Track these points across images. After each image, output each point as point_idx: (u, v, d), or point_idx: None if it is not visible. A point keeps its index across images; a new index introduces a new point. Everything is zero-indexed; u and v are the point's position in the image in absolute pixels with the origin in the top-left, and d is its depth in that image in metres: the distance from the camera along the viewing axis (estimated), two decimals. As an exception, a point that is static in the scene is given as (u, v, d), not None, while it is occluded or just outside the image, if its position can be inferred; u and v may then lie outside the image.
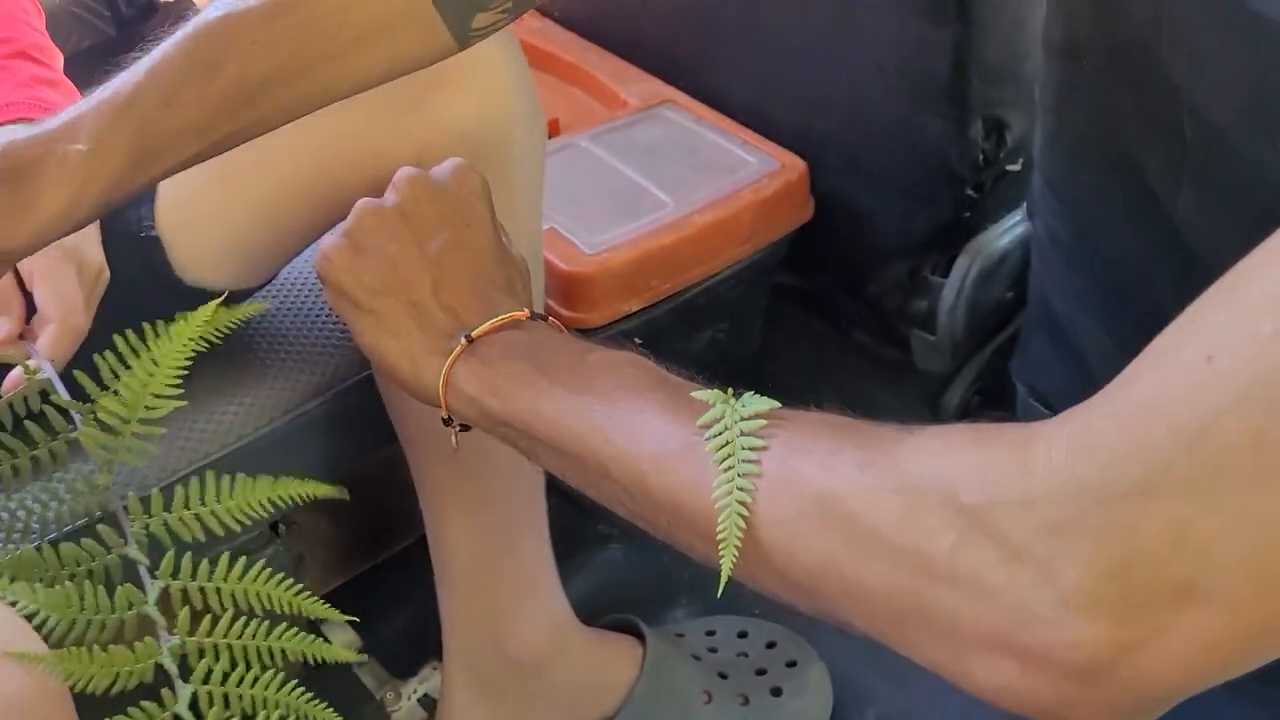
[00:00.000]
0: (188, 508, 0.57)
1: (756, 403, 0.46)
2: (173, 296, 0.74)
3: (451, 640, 0.84)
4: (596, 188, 1.00)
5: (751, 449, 0.44)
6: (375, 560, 1.05)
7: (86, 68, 0.79)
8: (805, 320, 1.18)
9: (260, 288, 0.81)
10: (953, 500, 0.38)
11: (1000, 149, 0.96)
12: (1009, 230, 1.01)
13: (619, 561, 1.07)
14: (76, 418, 0.56)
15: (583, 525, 1.08)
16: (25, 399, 0.58)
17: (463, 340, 0.56)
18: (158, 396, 0.56)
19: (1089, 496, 0.35)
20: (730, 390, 0.48)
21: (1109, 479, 0.35)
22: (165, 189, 0.72)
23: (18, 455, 0.58)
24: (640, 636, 0.90)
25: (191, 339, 0.59)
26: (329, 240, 0.60)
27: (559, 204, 0.95)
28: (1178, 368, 0.35)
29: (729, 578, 0.44)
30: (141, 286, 0.71)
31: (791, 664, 0.92)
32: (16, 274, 0.63)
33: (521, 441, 0.54)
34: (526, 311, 0.57)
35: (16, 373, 0.60)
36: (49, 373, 0.58)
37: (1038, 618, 0.36)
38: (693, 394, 0.48)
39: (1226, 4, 0.51)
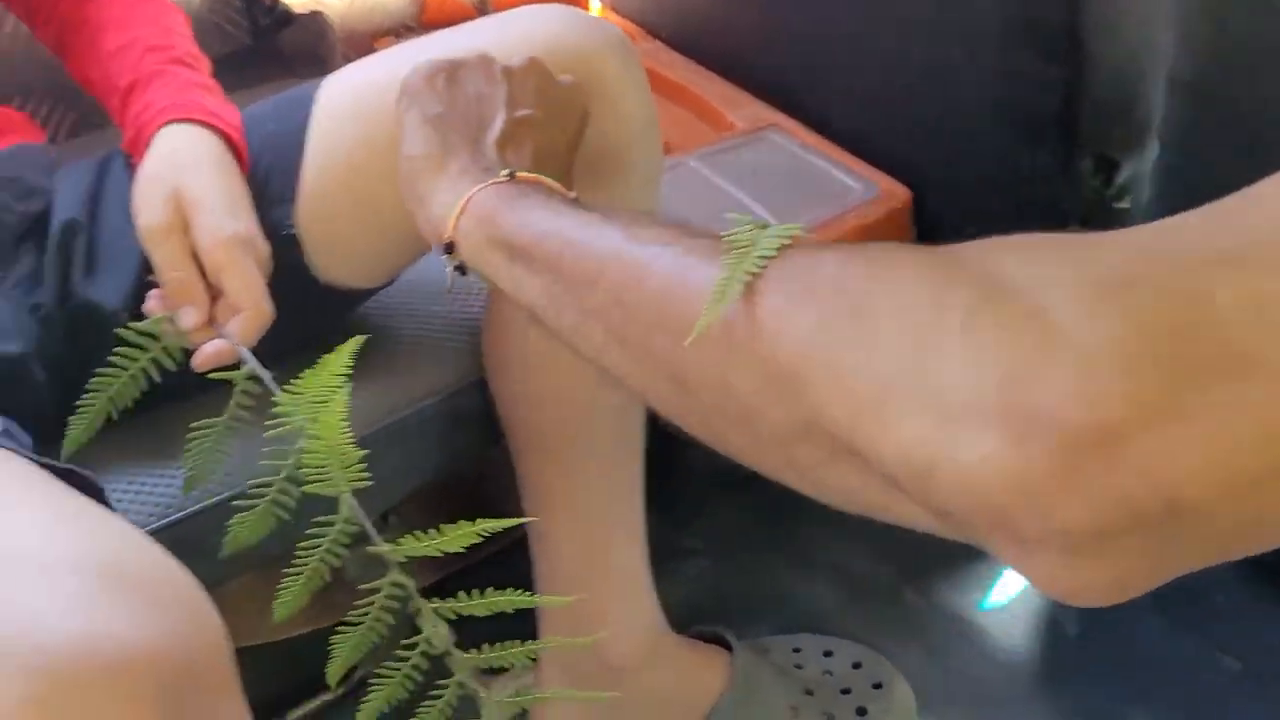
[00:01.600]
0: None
1: (785, 229, 0.43)
2: (306, 291, 0.78)
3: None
4: (703, 208, 1.02)
5: (774, 241, 0.41)
6: (469, 561, 1.08)
7: (223, 74, 0.83)
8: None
9: (382, 287, 0.84)
10: (990, 275, 0.33)
11: (1109, 186, 0.96)
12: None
13: (705, 575, 1.09)
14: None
15: (671, 538, 1.10)
16: (232, 382, 0.64)
17: (505, 175, 0.55)
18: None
19: (1161, 259, 0.31)
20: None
21: (1192, 248, 0.31)
22: (307, 189, 0.76)
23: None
24: (728, 648, 0.91)
25: (341, 372, 0.61)
26: (431, 60, 0.61)
27: (668, 222, 0.97)
28: None
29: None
30: (279, 281, 0.74)
31: (877, 685, 0.93)
32: (200, 267, 0.67)
33: (514, 267, 0.52)
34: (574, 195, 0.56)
35: (214, 344, 0.65)
36: (248, 358, 0.63)
37: (1051, 368, 0.30)
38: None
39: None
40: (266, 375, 0.63)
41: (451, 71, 0.61)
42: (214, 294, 0.68)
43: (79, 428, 0.65)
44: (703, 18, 1.24)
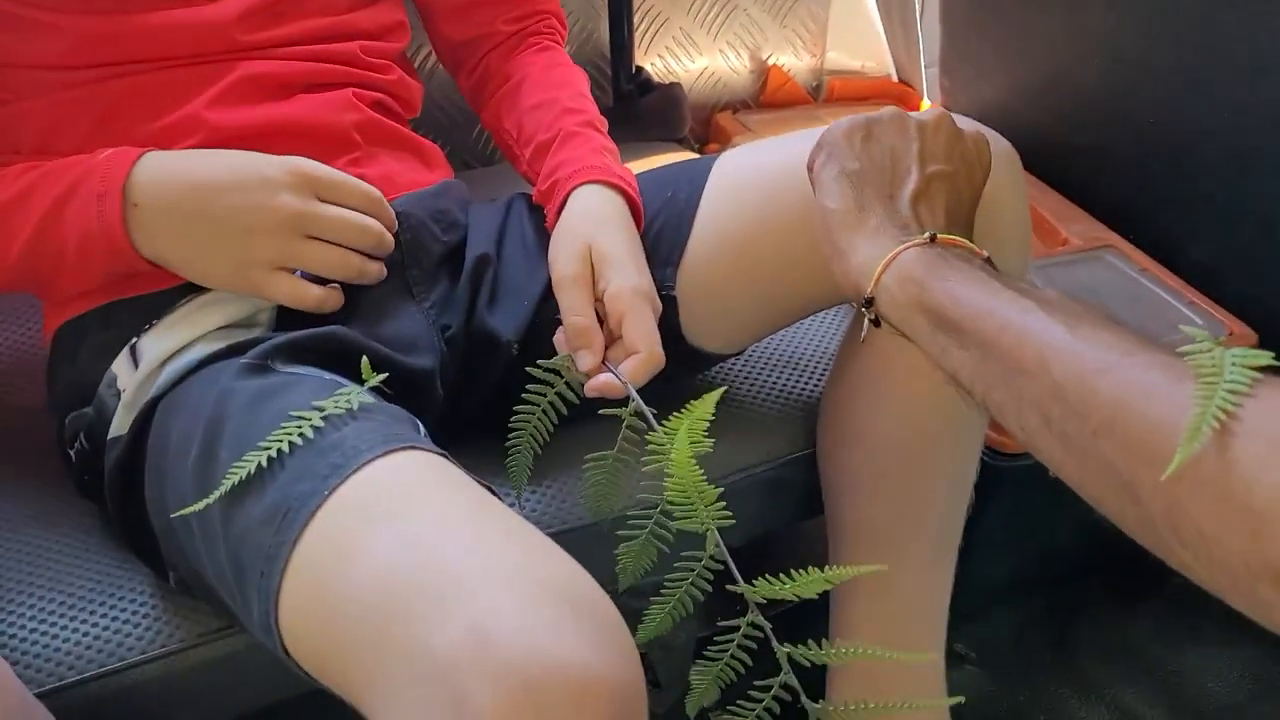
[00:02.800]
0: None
1: (1252, 355, 0.44)
2: (671, 350, 0.83)
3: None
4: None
5: (1244, 374, 0.42)
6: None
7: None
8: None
9: (734, 355, 0.89)
10: None
11: None
12: None
13: (975, 683, 1.08)
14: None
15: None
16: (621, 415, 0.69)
17: (926, 236, 0.58)
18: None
19: None
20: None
21: None
22: (691, 255, 0.81)
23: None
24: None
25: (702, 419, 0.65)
26: (850, 118, 0.65)
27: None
28: None
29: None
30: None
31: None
32: (599, 313, 0.73)
33: (938, 334, 0.54)
34: (987, 255, 0.58)
35: (607, 376, 0.71)
36: (635, 397, 0.68)
37: None
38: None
39: None
40: (650, 413, 0.68)
41: (868, 129, 0.64)
42: (609, 339, 0.74)
43: (518, 464, 0.72)
44: (1041, 132, 1.24)
